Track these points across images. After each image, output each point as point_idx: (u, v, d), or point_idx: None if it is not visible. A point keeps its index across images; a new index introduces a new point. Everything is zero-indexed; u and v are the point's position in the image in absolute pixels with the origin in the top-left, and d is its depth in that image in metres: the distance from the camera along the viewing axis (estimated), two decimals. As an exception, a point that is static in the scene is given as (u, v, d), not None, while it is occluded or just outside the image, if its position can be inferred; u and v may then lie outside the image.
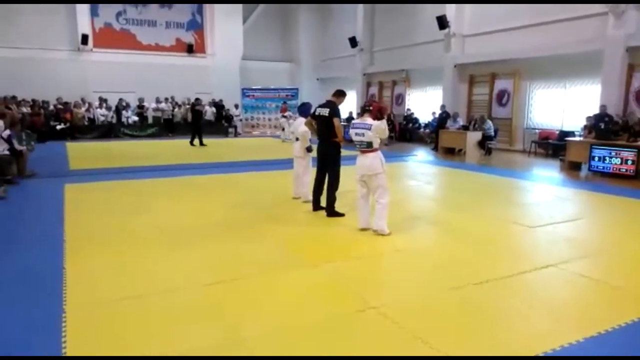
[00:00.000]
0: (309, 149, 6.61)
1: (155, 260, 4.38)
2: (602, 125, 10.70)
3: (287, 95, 22.62)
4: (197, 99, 15.98)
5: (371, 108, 5.18)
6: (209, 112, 20.46)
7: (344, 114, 19.77)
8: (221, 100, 21.05)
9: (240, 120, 21.52)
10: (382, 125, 4.98)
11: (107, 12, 20.42)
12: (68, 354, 2.73)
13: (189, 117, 20.20)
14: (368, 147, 5.04)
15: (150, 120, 19.48)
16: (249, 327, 3.07)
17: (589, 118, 11.16)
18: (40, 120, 16.51)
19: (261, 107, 22.44)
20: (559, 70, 13.19)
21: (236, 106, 21.36)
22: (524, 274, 4.07)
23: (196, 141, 15.16)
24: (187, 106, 20.54)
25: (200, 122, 15.79)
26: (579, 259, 4.47)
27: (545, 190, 8.42)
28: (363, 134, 5.04)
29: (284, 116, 17.89)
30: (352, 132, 5.19)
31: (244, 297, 3.55)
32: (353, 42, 20.70)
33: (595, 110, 11.58)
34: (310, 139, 6.51)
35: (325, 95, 6.10)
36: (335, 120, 5.78)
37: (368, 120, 5.09)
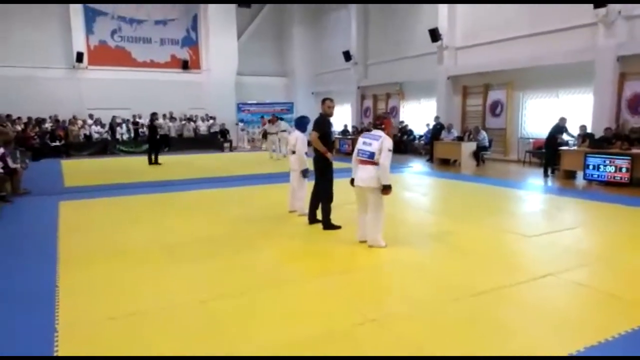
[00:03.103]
0: (304, 174, 6.57)
1: (151, 277, 4.32)
2: (559, 138, 11.14)
3: (282, 110, 22.73)
4: (153, 114, 14.94)
5: (383, 126, 5.06)
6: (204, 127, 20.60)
7: (339, 127, 19.84)
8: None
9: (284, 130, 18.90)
10: (389, 143, 4.89)
11: (102, 30, 20.58)
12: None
13: (185, 132, 20.39)
14: (370, 157, 4.94)
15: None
16: (248, 343, 3.02)
17: (582, 127, 11.23)
18: (32, 138, 16.42)
19: (257, 121, 22.51)
20: (552, 80, 13.32)
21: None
22: (522, 283, 4.04)
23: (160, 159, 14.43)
24: (183, 122, 20.66)
25: (156, 138, 14.65)
26: (577, 268, 4.44)
27: (540, 199, 8.44)
28: (370, 144, 4.95)
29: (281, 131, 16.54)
30: (360, 140, 5.12)
31: (241, 313, 3.50)
32: (347, 56, 20.89)
33: (588, 119, 11.69)
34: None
35: (320, 108, 6.11)
36: (312, 134, 5.81)
37: (379, 132, 5.01)
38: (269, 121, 16.74)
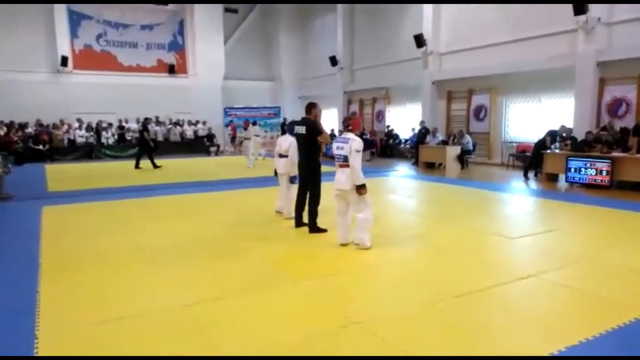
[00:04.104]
0: (292, 180, 6.59)
1: (135, 281, 4.30)
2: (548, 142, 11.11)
3: (269, 114, 22.75)
4: (146, 119, 15.10)
5: (350, 127, 5.27)
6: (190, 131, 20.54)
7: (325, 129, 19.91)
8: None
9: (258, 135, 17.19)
10: (357, 144, 5.02)
11: (87, 34, 20.42)
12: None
13: (171, 136, 20.34)
14: (345, 161, 5.09)
15: (133, 141, 19.30)
16: (232, 347, 3.02)
17: (567, 130, 11.40)
18: (15, 142, 16.15)
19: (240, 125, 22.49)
20: (534, 85, 13.55)
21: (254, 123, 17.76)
22: (505, 284, 4.11)
23: (145, 164, 14.23)
24: (169, 126, 20.58)
25: (149, 143, 14.53)
26: (559, 269, 4.52)
27: (523, 201, 8.57)
28: (342, 148, 5.13)
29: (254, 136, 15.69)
30: (334, 145, 5.29)
31: (226, 316, 3.50)
32: (333, 61, 21.00)
33: (570, 123, 11.91)
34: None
35: (303, 113, 6.16)
36: (324, 135, 5.92)
37: (349, 134, 5.20)
38: (244, 126, 16.22)
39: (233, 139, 19.73)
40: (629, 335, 3.13)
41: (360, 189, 5.03)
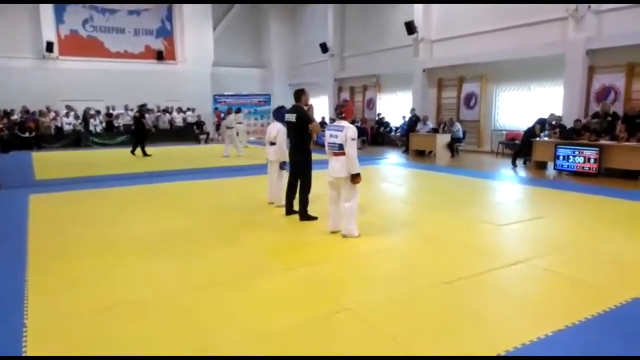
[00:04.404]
0: (282, 166, 6.58)
1: (125, 270, 4.27)
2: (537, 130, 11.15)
3: (259, 102, 22.61)
4: (142, 106, 15.10)
5: (344, 115, 5.20)
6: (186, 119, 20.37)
7: (316, 119, 19.84)
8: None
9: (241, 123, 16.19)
10: (352, 132, 4.99)
11: (73, 19, 20.02)
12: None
13: (160, 124, 20.14)
14: (340, 149, 5.05)
15: (121, 129, 19.10)
16: (224, 335, 3.02)
17: (557, 118, 11.47)
18: (0, 130, 15.94)
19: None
20: (524, 73, 13.59)
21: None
22: (493, 271, 4.15)
23: (138, 151, 14.23)
24: (158, 113, 20.35)
25: (144, 130, 14.58)
26: (547, 256, 4.57)
27: (513, 189, 8.64)
28: (337, 136, 5.08)
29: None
30: (327, 134, 5.23)
31: (217, 304, 3.50)
32: (324, 48, 20.86)
33: (559, 111, 11.98)
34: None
35: (292, 100, 6.12)
36: (315, 124, 5.91)
37: (343, 122, 5.15)
38: (227, 113, 15.65)
39: (218, 127, 19.54)
40: (614, 320, 3.18)
41: (356, 178, 5.02)
